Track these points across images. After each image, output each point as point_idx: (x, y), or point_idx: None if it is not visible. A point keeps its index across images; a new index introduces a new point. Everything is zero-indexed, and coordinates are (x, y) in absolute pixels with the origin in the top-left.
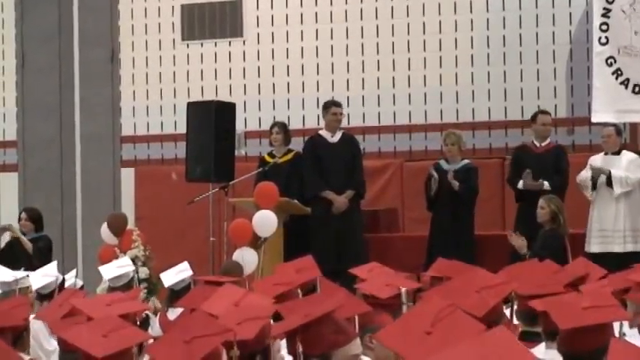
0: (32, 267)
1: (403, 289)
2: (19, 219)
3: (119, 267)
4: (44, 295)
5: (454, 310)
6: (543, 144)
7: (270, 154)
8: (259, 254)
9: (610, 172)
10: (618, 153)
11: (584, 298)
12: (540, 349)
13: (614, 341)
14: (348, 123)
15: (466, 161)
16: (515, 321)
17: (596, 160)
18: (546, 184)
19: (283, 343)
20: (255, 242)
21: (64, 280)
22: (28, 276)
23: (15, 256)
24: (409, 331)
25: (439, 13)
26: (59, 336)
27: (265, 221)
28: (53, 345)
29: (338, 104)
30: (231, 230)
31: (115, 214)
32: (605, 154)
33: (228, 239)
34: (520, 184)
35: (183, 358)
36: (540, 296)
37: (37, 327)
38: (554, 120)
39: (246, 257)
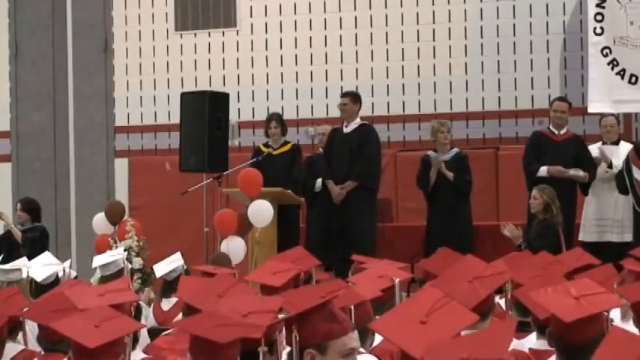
0: (19, 257)
1: (397, 280)
2: (15, 209)
3: (110, 255)
4: (44, 286)
5: (449, 301)
6: (562, 132)
7: (266, 145)
8: (249, 243)
9: (611, 161)
10: (617, 143)
11: (573, 288)
12: (531, 340)
13: (613, 328)
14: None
15: (456, 150)
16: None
17: (594, 149)
18: (582, 174)
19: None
20: (247, 231)
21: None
22: (19, 269)
23: (11, 246)
24: (404, 320)
25: (432, 4)
26: (50, 326)
27: (260, 211)
28: None
29: (343, 94)
30: (216, 221)
31: (114, 202)
32: (603, 143)
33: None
34: (544, 171)
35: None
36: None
37: None
38: (545, 110)
39: (234, 247)
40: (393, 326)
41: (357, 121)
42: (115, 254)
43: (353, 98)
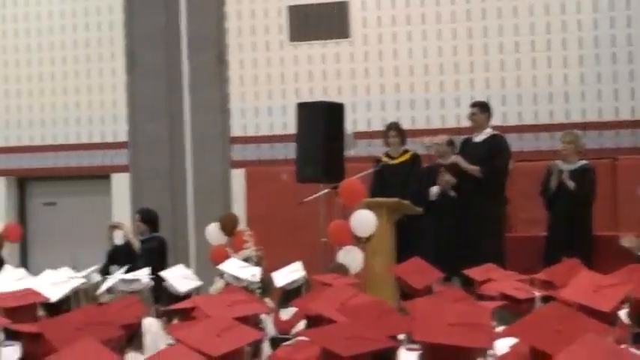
0: (135, 268)
1: (537, 294)
2: (134, 220)
3: (242, 267)
4: (179, 296)
5: (578, 314)
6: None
7: (387, 155)
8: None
9: None
10: None
11: None
12: None
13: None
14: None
15: (583, 162)
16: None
17: None
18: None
19: None
20: (358, 242)
21: None
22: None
23: (130, 257)
24: (542, 327)
25: (547, 14)
26: (173, 336)
27: (362, 221)
28: None
29: (472, 104)
30: (329, 232)
31: (228, 214)
32: None
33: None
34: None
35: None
36: None
37: (154, 330)
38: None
39: (350, 257)
40: (531, 331)
41: (488, 131)
42: (246, 266)
43: (481, 108)
